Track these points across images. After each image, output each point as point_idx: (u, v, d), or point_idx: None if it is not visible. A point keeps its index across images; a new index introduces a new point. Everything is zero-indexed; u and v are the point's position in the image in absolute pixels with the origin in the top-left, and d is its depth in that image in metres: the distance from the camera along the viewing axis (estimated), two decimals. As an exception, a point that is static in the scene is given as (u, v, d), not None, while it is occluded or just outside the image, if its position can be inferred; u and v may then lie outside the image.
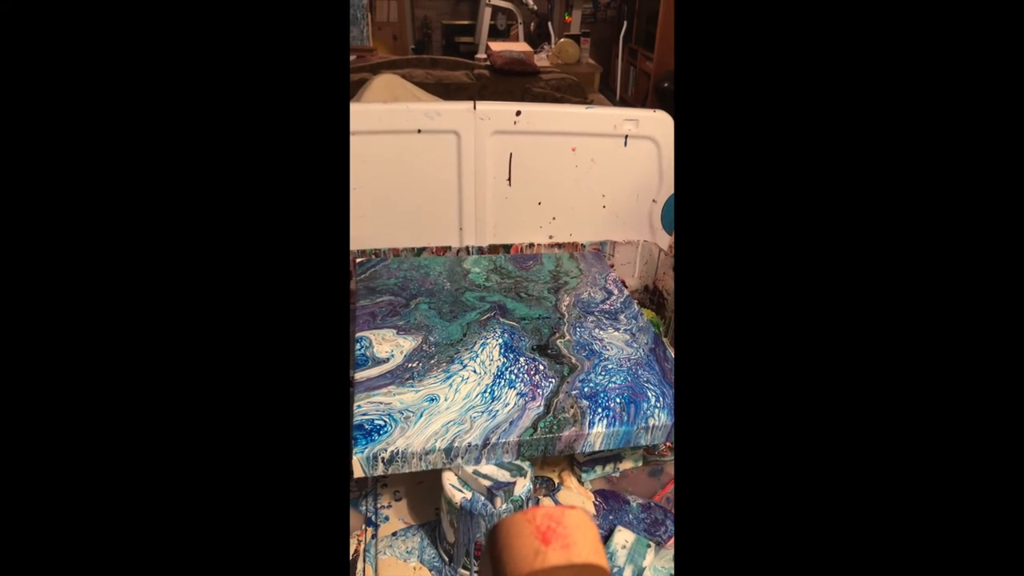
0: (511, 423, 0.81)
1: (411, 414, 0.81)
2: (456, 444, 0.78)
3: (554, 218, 1.41)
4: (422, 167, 1.29)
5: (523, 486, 0.81)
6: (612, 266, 1.44)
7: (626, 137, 1.35)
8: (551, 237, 1.42)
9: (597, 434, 0.83)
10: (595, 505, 0.99)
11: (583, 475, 1.03)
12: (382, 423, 0.80)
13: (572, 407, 0.85)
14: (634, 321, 1.07)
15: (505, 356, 0.94)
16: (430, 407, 0.83)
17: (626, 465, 1.06)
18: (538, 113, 1.31)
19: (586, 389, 0.89)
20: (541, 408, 0.84)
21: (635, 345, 1.00)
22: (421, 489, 0.97)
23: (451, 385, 0.87)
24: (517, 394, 0.86)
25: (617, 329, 1.04)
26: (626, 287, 1.23)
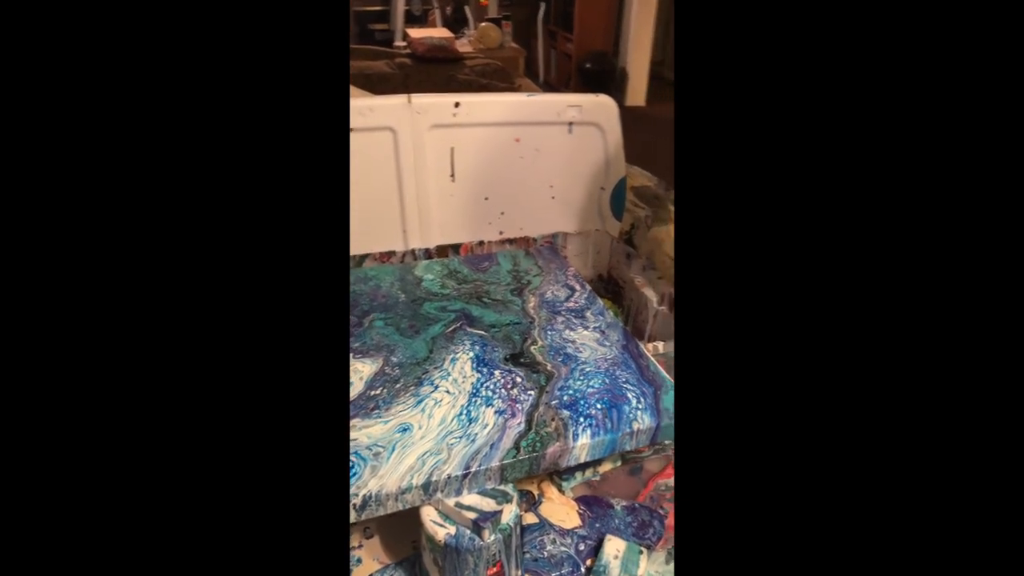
0: (492, 446, 0.75)
1: (381, 449, 0.73)
2: (435, 478, 0.71)
3: (503, 213, 1.34)
4: (357, 168, 1.18)
5: (510, 512, 0.75)
6: (566, 258, 1.39)
7: (570, 124, 1.30)
8: (501, 233, 1.36)
9: (582, 446, 0.79)
10: (579, 514, 0.95)
11: (563, 484, 0.99)
12: (349, 463, 0.71)
13: (554, 419, 0.80)
14: (601, 318, 1.03)
15: (479, 371, 0.87)
16: (403, 438, 0.75)
17: (605, 467, 1.02)
18: (478, 104, 1.23)
19: (565, 397, 0.84)
20: (522, 425, 0.78)
21: (607, 344, 0.95)
22: (394, 522, 0.89)
23: (423, 410, 0.79)
24: (495, 412, 0.80)
25: (587, 328, 0.99)
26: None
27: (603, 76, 4.84)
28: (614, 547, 0.87)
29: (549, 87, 5.27)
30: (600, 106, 1.29)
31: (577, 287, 1.12)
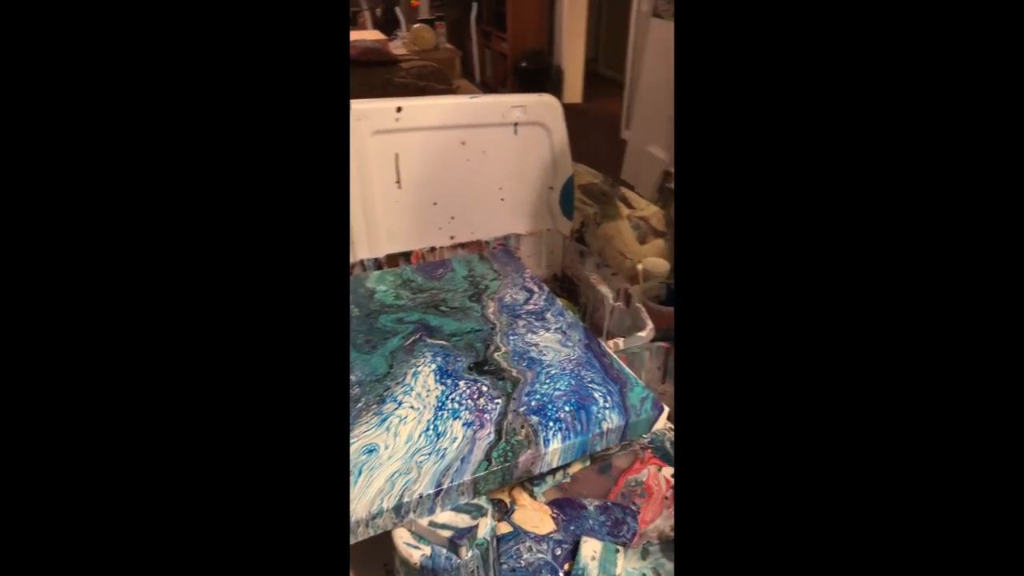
0: (462, 460, 0.73)
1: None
2: (406, 499, 0.68)
3: (453, 217, 1.32)
4: (299, 179, 1.13)
5: (486, 526, 0.73)
6: (519, 259, 1.38)
7: (515, 125, 1.29)
8: (452, 238, 1.33)
9: (554, 451, 0.78)
10: (553, 518, 0.94)
11: (535, 489, 0.97)
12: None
13: (523, 427, 0.79)
14: (561, 318, 1.02)
15: (443, 383, 0.84)
16: (369, 460, 0.72)
17: (575, 468, 1.01)
18: (421, 107, 1.21)
19: (533, 403, 0.83)
20: (492, 435, 0.77)
21: (570, 344, 0.95)
22: (364, 546, 0.85)
23: (388, 428, 0.76)
24: (463, 424, 0.78)
25: (548, 329, 0.98)
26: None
27: (539, 75, 4.87)
28: (591, 549, 0.87)
29: (487, 87, 5.26)
30: (544, 105, 1.29)
31: (535, 289, 1.11)
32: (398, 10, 4.32)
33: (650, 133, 3.88)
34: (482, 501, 0.75)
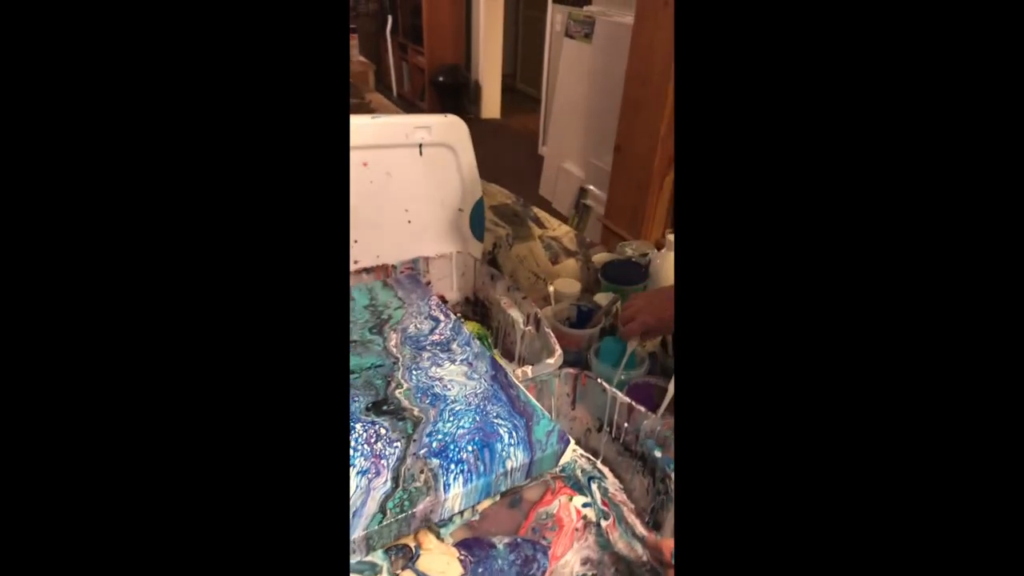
0: (354, 514, 0.67)
1: (220, 541, 0.62)
2: (289, 563, 0.61)
3: (356, 241, 1.26)
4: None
5: (381, 584, 0.68)
6: (429, 283, 1.34)
7: (420, 146, 1.25)
8: (356, 263, 1.27)
9: (455, 496, 0.73)
10: (460, 560, 0.90)
11: (442, 531, 0.93)
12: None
13: (423, 471, 0.74)
14: (468, 348, 0.99)
15: (332, 430, 0.78)
16: (245, 524, 0.64)
17: (484, 505, 0.97)
18: (318, 126, 1.14)
19: (434, 444, 0.78)
20: (388, 483, 0.71)
21: (476, 376, 0.91)
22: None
23: (269, 486, 0.69)
24: (358, 473, 0.72)
25: (453, 361, 0.94)
26: (447, 303, 1.14)
27: (457, 89, 4.86)
28: (499, 592, 0.83)
29: (404, 101, 5.19)
30: (450, 126, 1.26)
31: (442, 317, 1.07)
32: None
33: (566, 150, 3.95)
34: (377, 557, 0.69)
